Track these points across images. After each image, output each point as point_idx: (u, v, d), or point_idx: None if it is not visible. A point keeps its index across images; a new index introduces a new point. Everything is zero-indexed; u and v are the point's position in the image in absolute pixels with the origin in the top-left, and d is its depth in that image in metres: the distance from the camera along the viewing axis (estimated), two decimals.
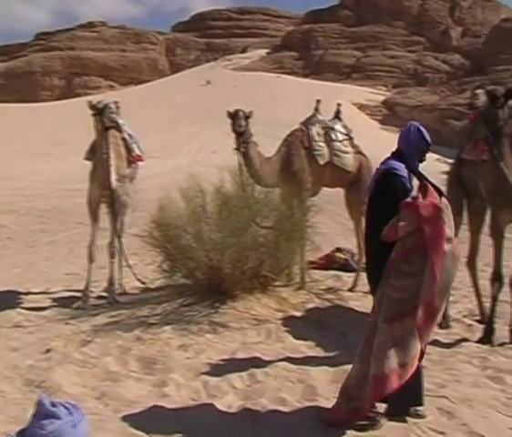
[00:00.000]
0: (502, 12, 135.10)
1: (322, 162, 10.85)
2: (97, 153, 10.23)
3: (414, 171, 5.77)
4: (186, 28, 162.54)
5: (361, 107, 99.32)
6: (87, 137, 11.39)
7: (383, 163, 5.88)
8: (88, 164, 10.55)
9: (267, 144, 13.04)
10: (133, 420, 5.63)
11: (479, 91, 7.34)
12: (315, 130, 10.97)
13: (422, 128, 5.85)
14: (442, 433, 5.45)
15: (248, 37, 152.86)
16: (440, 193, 5.49)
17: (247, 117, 9.97)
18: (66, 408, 2.70)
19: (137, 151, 10.99)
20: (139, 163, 11.23)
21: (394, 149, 5.93)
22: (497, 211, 8.42)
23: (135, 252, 12.10)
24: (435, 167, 10.65)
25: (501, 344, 8.21)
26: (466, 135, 9.58)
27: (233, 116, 10.00)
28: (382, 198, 5.67)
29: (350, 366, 6.98)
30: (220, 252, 9.01)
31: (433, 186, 5.51)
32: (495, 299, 8.47)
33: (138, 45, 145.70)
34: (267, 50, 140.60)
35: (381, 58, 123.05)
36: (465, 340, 8.39)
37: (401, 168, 5.66)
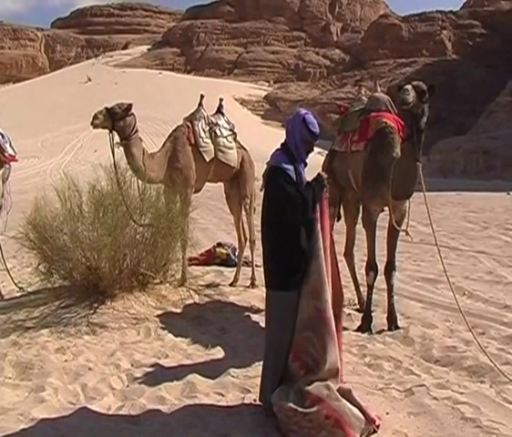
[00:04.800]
0: (380, 8, 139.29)
1: (208, 159, 10.76)
2: None
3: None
4: (66, 24, 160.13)
5: (243, 103, 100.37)
6: None
7: (272, 157, 5.80)
8: None
9: (149, 141, 12.92)
10: (8, 428, 5.45)
11: (408, 86, 7.33)
12: (200, 126, 10.84)
13: (308, 118, 5.71)
14: None
15: (129, 34, 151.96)
16: None
17: (113, 113, 9.62)
18: None
19: (9, 151, 10.68)
20: (14, 163, 10.92)
21: (283, 141, 5.84)
22: (368, 202, 8.61)
23: (14, 255, 11.81)
24: (316, 160, 10.72)
25: (379, 332, 8.39)
26: (337, 127, 9.76)
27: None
28: (270, 194, 5.67)
29: (229, 362, 7.05)
30: (97, 251, 8.86)
31: None
32: (370, 288, 8.67)
33: (16, 41, 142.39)
34: (148, 46, 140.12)
35: (262, 54, 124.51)
36: (345, 328, 8.50)
37: (285, 162, 5.59)
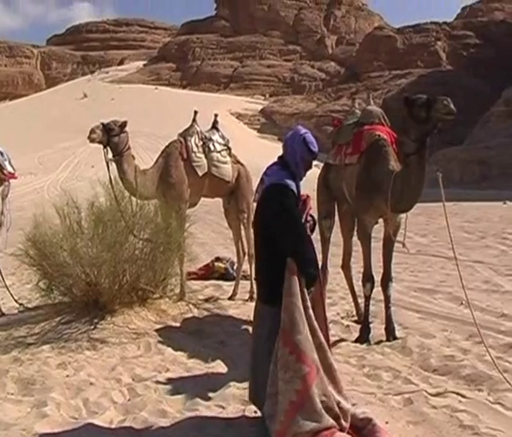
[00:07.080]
0: (375, 20, 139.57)
1: (200, 173, 10.83)
2: None
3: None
4: (61, 41, 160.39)
5: (239, 117, 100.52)
6: None
7: (268, 172, 5.76)
8: None
9: (146, 156, 12.99)
10: None
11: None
12: (193, 141, 10.92)
13: (308, 138, 5.68)
14: None
15: (125, 49, 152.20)
16: None
17: (109, 129, 9.77)
18: None
19: (9, 168, 10.72)
20: (12, 181, 10.96)
21: (279, 155, 5.82)
22: (362, 214, 8.64)
23: (13, 272, 11.84)
24: (312, 173, 10.71)
25: (378, 342, 8.40)
26: (331, 140, 9.82)
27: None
28: (272, 211, 5.51)
29: (229, 374, 7.09)
30: (97, 267, 8.91)
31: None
32: (368, 299, 8.69)
33: (13, 58, 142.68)
34: (144, 62, 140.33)
35: (258, 68, 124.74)
36: (343, 340, 8.56)
37: (288, 179, 5.56)
